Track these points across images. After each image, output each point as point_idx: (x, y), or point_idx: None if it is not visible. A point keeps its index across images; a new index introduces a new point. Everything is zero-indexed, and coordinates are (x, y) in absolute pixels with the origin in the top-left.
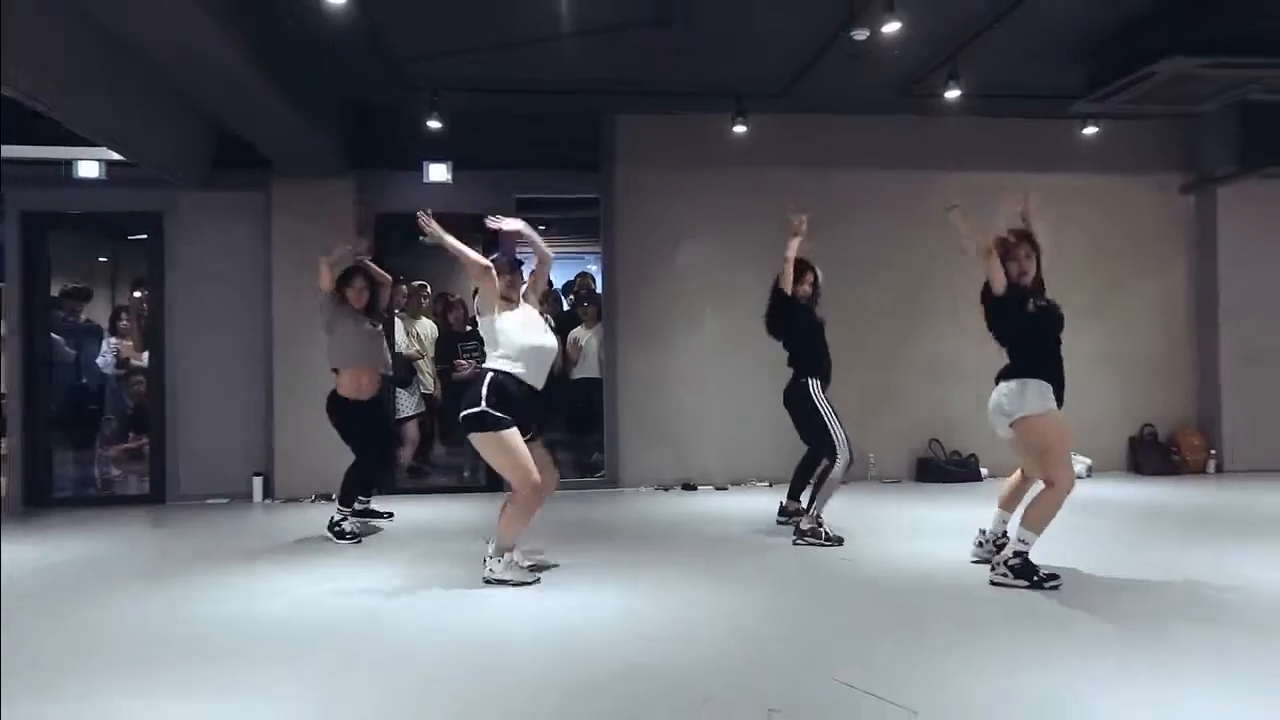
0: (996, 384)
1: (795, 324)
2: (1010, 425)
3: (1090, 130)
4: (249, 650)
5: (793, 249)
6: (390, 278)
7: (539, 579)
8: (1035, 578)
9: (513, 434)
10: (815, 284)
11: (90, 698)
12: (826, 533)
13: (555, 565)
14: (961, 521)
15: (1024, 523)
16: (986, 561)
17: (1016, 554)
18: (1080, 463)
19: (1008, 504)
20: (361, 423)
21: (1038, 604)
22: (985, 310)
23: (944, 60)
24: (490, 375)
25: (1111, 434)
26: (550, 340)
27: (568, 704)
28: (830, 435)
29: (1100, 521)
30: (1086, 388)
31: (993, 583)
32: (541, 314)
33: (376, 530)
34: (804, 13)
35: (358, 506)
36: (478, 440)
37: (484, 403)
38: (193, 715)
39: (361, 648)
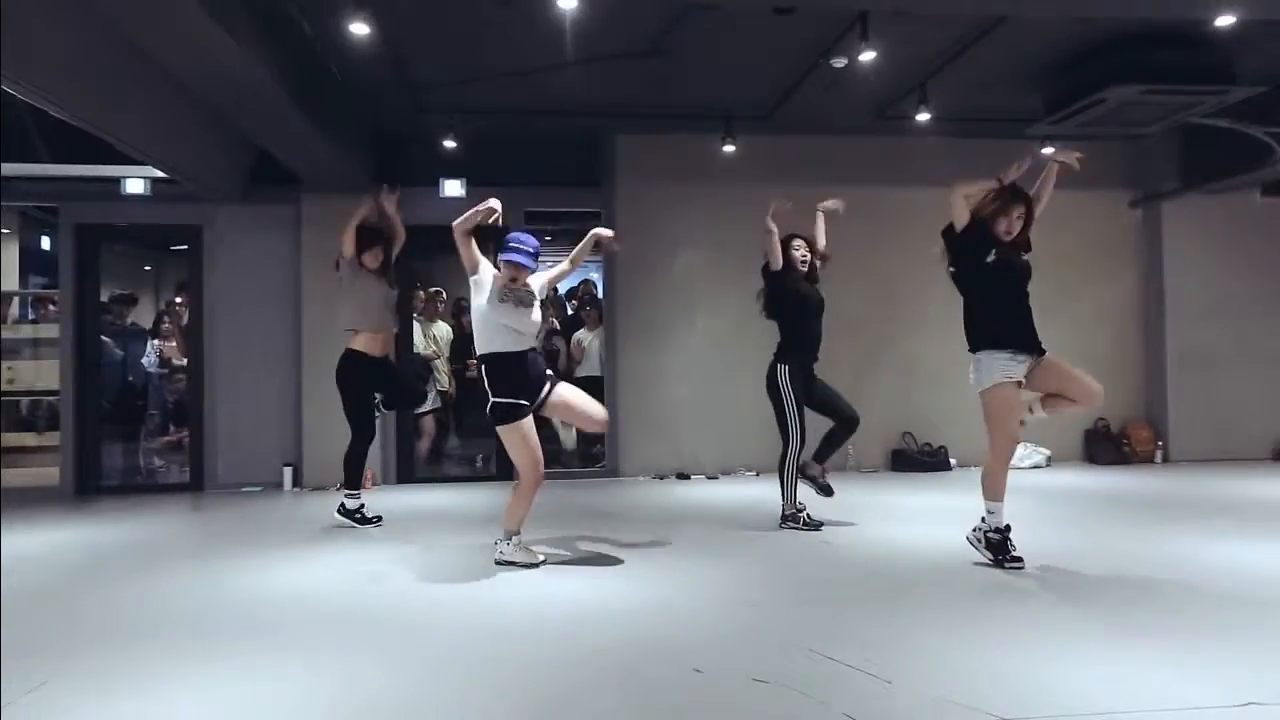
0: None
1: (785, 298)
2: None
3: (1048, 150)
4: (267, 628)
5: (770, 221)
6: (403, 231)
7: (544, 559)
8: (1000, 556)
9: (526, 424)
10: (814, 256)
11: (138, 665)
12: (806, 518)
13: (560, 559)
14: (932, 507)
15: (983, 495)
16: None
17: (982, 524)
18: (1040, 453)
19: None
20: (381, 378)
21: (1007, 583)
22: (946, 246)
23: (915, 86)
24: (483, 368)
25: (1068, 428)
26: (526, 299)
27: (564, 673)
28: (786, 423)
29: (1060, 508)
30: None
31: (967, 539)
32: (533, 303)
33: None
34: (786, 43)
35: (350, 505)
36: (499, 430)
37: (492, 395)
38: (218, 684)
39: (374, 627)
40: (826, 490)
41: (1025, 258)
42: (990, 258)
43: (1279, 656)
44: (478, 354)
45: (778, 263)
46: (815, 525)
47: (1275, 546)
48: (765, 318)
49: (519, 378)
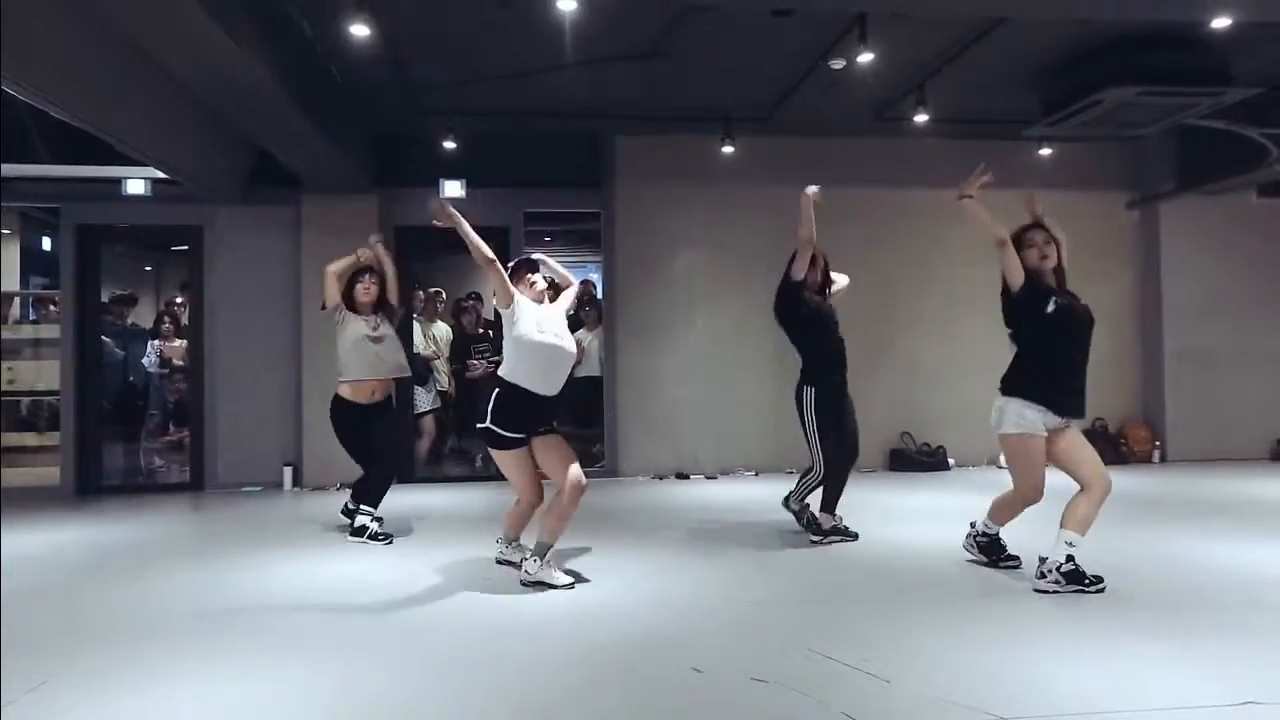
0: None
1: (803, 313)
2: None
3: (1045, 151)
4: (267, 628)
5: (810, 224)
6: (393, 268)
7: (572, 583)
8: (1086, 581)
9: (516, 454)
10: (825, 271)
11: (138, 664)
12: (842, 527)
13: (560, 560)
14: (931, 507)
15: (1065, 527)
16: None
17: (1059, 561)
18: None
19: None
20: (366, 426)
21: (1004, 582)
22: (1004, 307)
23: (913, 88)
24: (496, 391)
25: None
26: (567, 343)
27: (563, 673)
28: (810, 449)
29: (1058, 509)
30: None
31: (1038, 590)
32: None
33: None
34: (785, 44)
35: (358, 524)
36: (494, 455)
37: (489, 419)
38: (218, 683)
39: (374, 627)
40: (853, 535)
41: (1085, 303)
42: (1050, 308)
43: (1277, 655)
44: (501, 375)
45: (802, 271)
46: (853, 535)
47: (1273, 546)
48: (778, 321)
49: (522, 415)
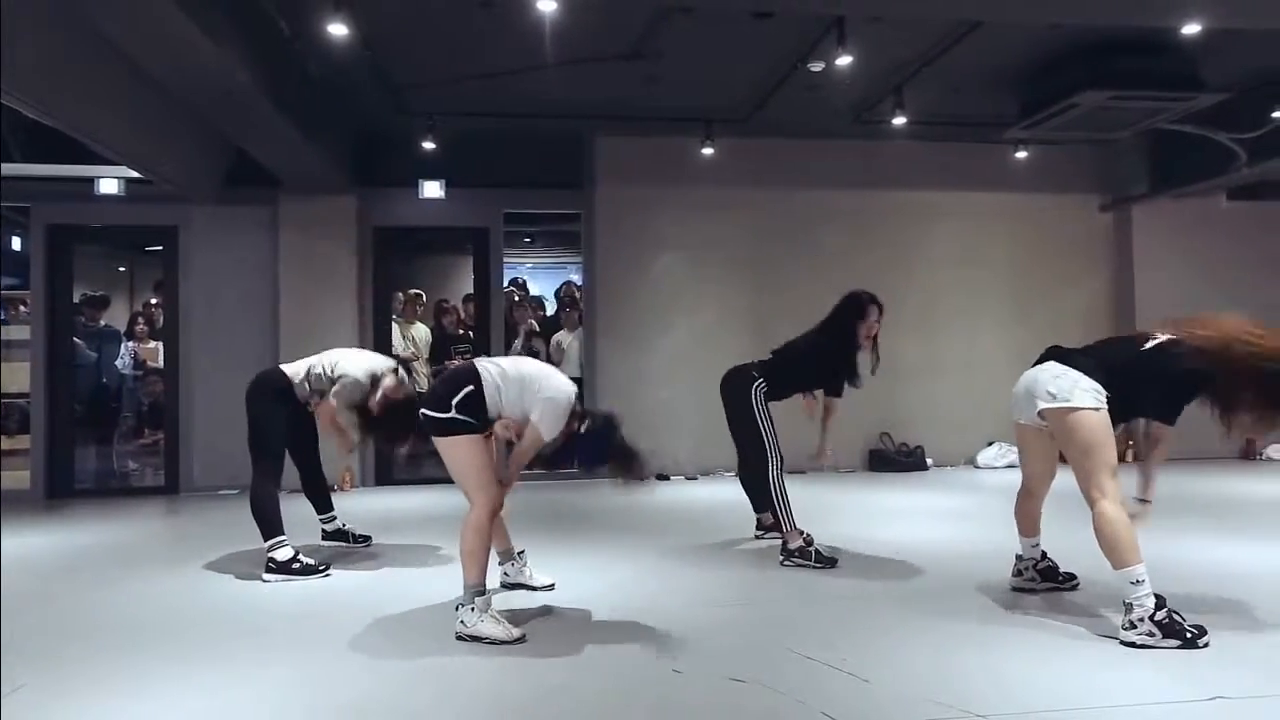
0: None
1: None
2: (1040, 413)
3: (1021, 154)
4: (245, 633)
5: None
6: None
7: (524, 636)
8: (1188, 635)
9: (478, 440)
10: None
11: (114, 670)
12: (818, 551)
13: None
14: (910, 507)
15: (1119, 565)
16: (1030, 590)
17: (1147, 603)
18: (1014, 453)
19: (1031, 530)
20: (301, 420)
21: (982, 583)
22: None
23: (891, 90)
24: (469, 388)
25: None
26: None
27: (542, 675)
28: (760, 437)
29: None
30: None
31: (1128, 643)
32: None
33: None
34: (765, 47)
35: (330, 529)
36: (442, 445)
37: (454, 410)
38: (194, 689)
39: (354, 630)
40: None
41: None
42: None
43: (1246, 651)
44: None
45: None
46: (831, 560)
47: (1243, 544)
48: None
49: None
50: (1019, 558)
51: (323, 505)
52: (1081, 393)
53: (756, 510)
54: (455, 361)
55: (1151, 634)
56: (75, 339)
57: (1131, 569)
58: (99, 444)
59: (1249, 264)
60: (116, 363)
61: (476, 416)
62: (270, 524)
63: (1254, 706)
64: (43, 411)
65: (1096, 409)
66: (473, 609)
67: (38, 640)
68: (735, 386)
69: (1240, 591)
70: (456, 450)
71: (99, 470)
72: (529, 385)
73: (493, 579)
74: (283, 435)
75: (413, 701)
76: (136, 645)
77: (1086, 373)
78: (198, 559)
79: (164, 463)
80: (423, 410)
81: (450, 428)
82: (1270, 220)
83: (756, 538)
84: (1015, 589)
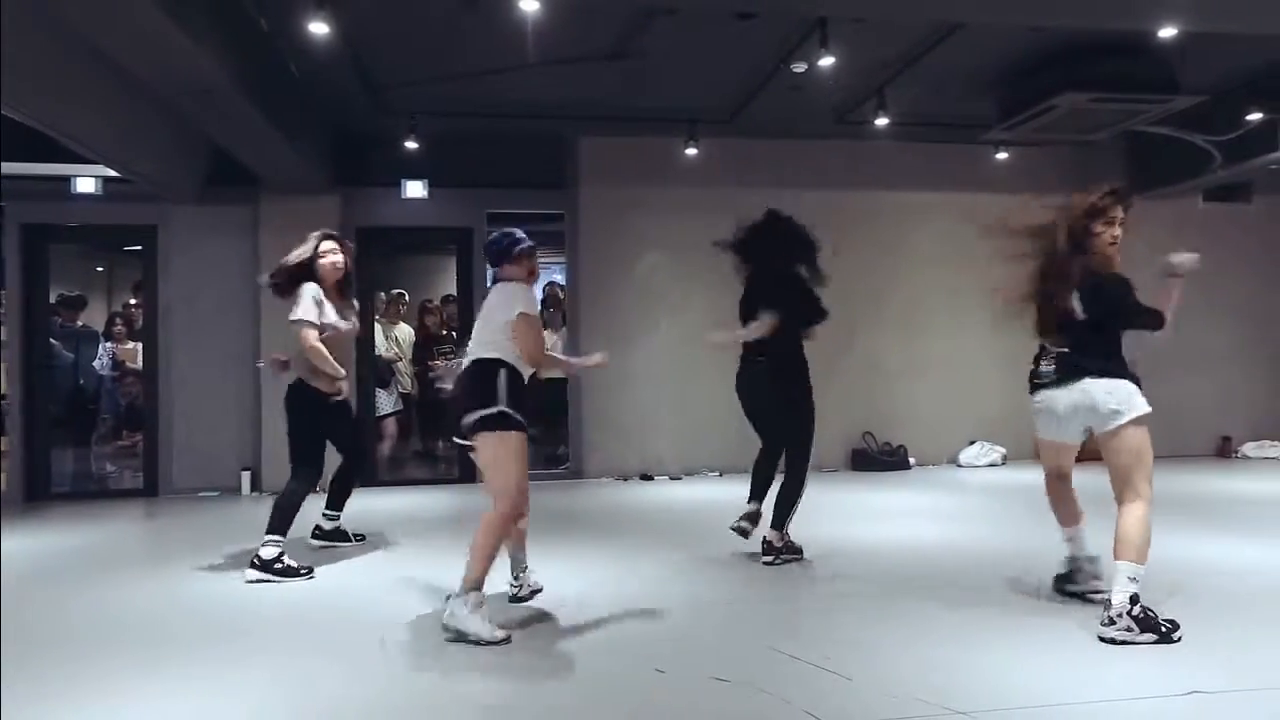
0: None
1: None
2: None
3: (1001, 155)
4: (225, 636)
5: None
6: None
7: (509, 638)
8: (1163, 629)
9: (525, 441)
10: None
11: (92, 676)
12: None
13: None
14: (893, 507)
15: (1125, 557)
16: (1090, 594)
17: (1134, 599)
18: (995, 451)
19: (1072, 518)
20: (336, 420)
21: (959, 580)
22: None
23: (874, 92)
24: (504, 370)
25: (1020, 426)
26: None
27: (525, 675)
28: (803, 432)
29: (1017, 506)
30: (998, 385)
31: (1106, 639)
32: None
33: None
34: (748, 47)
35: (327, 526)
36: (490, 440)
37: (504, 402)
38: (173, 693)
39: (336, 632)
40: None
41: None
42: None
43: (1222, 646)
44: (498, 356)
45: None
46: (798, 550)
47: (1217, 540)
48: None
49: (526, 411)
50: (1071, 558)
51: (336, 502)
52: (1138, 398)
53: (753, 498)
54: (439, 363)
55: (1130, 629)
56: (51, 340)
57: (1135, 566)
58: (76, 446)
59: (1225, 264)
60: (94, 364)
61: (520, 405)
62: (279, 521)
63: (1230, 701)
64: (19, 414)
65: (1149, 410)
66: (465, 603)
67: (14, 645)
68: (788, 376)
69: (1215, 587)
70: (506, 446)
71: (76, 473)
72: (489, 316)
73: (493, 580)
74: (321, 443)
75: (394, 703)
76: (115, 649)
77: (1121, 375)
78: (177, 562)
79: (143, 465)
80: (466, 415)
81: (502, 422)
82: (1245, 221)
83: (733, 528)
84: (1068, 593)
